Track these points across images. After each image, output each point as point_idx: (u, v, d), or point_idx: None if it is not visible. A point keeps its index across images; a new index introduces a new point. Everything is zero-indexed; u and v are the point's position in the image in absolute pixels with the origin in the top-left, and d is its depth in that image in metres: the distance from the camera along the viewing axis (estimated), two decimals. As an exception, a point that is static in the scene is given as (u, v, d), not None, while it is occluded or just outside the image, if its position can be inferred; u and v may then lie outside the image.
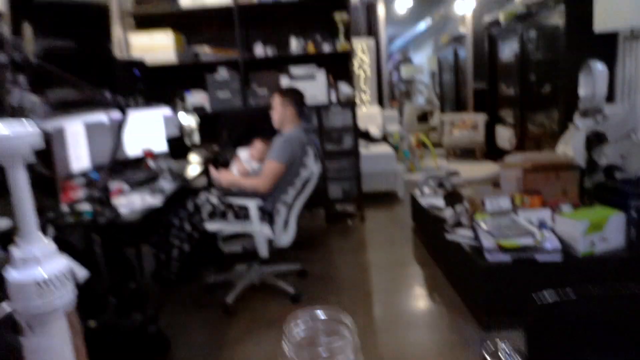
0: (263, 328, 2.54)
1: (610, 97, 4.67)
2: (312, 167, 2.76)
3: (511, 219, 2.60)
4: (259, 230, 2.67)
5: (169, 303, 2.82)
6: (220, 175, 2.93)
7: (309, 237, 3.94)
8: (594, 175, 4.01)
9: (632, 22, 3.89)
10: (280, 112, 2.91)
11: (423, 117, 10.33)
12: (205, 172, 3.10)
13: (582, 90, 3.43)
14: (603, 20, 4.01)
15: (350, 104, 4.12)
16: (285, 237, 2.87)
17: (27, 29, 2.39)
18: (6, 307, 0.49)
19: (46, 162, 1.96)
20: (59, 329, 0.34)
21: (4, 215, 1.62)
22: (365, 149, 5.21)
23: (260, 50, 4.14)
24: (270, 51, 4.14)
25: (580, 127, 3.50)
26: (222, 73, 4.08)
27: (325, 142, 4.14)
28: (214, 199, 2.82)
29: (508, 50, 6.08)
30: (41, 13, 2.53)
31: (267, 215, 2.80)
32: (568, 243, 2.36)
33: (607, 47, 4.58)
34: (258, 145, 3.11)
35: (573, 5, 4.44)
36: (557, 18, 4.64)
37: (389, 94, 8.88)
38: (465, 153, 7.11)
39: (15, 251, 0.34)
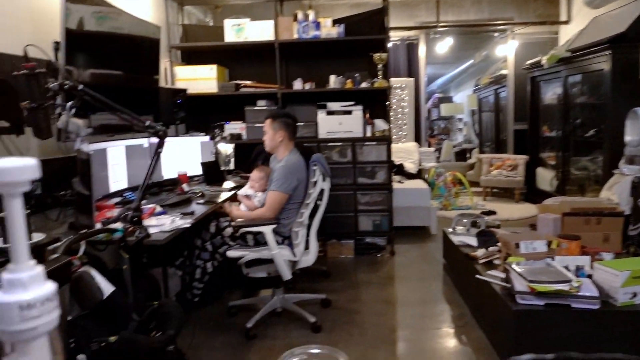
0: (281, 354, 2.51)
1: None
2: (321, 185, 2.76)
3: (546, 263, 2.50)
4: (278, 253, 2.68)
5: (191, 324, 2.84)
6: (231, 212, 2.93)
7: (336, 267, 3.91)
8: (639, 223, 3.81)
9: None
10: (271, 136, 2.91)
11: (462, 154, 10.19)
12: (234, 197, 3.15)
13: (629, 136, 3.32)
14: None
15: (385, 139, 4.15)
16: (308, 257, 2.86)
17: (80, 58, 2.57)
18: None
19: (85, 182, 2.07)
20: (39, 350, 0.37)
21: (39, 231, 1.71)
22: (400, 184, 5.18)
23: (299, 85, 4.25)
24: (308, 87, 4.25)
25: (627, 173, 3.37)
26: (260, 104, 4.22)
27: (358, 176, 4.16)
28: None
29: (551, 93, 5.97)
30: (94, 44, 2.72)
31: (285, 239, 2.81)
32: (607, 292, 2.24)
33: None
34: (255, 175, 3.02)
35: (619, 51, 4.35)
36: (602, 63, 4.55)
37: (428, 131, 8.83)
38: (503, 193, 6.93)
39: (5, 275, 0.37)
